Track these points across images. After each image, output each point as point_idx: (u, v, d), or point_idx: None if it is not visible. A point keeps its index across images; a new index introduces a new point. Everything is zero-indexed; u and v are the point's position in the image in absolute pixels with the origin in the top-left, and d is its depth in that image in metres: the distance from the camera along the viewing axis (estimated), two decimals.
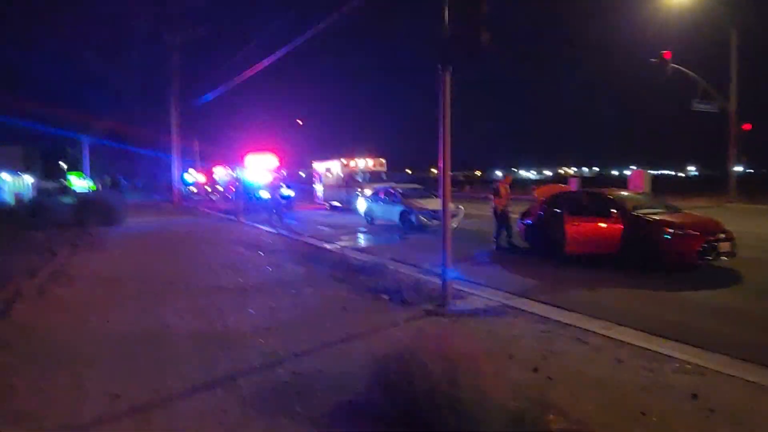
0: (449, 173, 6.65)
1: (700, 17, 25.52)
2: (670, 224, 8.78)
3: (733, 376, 4.26)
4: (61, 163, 50.07)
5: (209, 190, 35.99)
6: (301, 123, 50.85)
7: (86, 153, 36.07)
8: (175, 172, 28.35)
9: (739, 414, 3.57)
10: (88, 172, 35.88)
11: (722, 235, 8.68)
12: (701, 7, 24.77)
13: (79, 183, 34.40)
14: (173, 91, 26.98)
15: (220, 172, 36.08)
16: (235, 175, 29.81)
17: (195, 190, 33.69)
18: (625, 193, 10.80)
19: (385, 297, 6.93)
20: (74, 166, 40.34)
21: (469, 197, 31.24)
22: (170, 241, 13.59)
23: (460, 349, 4.03)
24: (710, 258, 8.47)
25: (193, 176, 35.63)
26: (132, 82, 32.67)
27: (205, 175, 35.89)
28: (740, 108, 25.78)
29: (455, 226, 15.09)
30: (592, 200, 10.30)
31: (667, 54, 23.30)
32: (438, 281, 6.79)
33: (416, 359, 3.79)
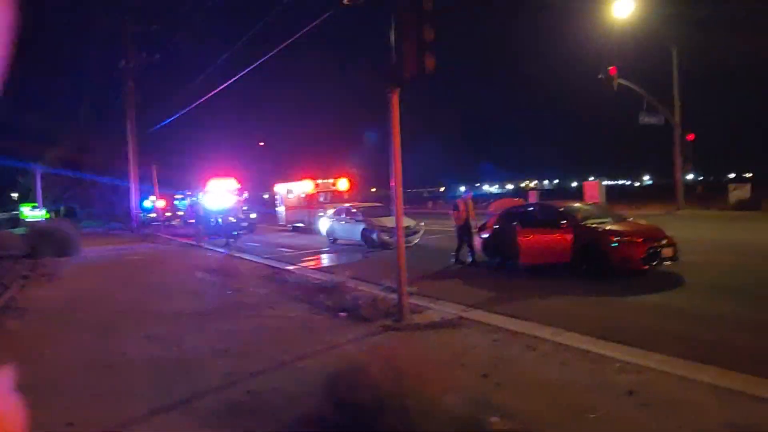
0: (401, 192, 6.86)
1: (645, 35, 26.88)
2: (616, 233, 9.20)
3: (669, 372, 4.53)
4: (12, 194, 48.30)
5: (169, 215, 35.36)
6: (263, 144, 50.65)
7: (38, 182, 34.96)
8: (133, 199, 27.81)
9: (671, 407, 3.82)
10: (41, 201, 34.75)
11: (665, 241, 9.14)
12: (646, 25, 26.11)
13: (32, 213, 33.27)
14: (129, 116, 26.61)
15: (181, 198, 35.56)
16: (195, 200, 29.45)
17: (154, 216, 33.02)
18: (574, 205, 11.22)
19: (344, 315, 7.04)
20: (26, 196, 39.02)
21: (432, 213, 31.69)
22: (128, 269, 13.34)
23: (412, 361, 4.19)
24: (654, 263, 8.90)
25: (152, 202, 34.95)
26: (86, 109, 32.09)
27: (165, 200, 35.29)
28: (684, 119, 27.15)
29: (416, 242, 15.38)
30: (544, 213, 10.69)
31: (612, 70, 24.42)
32: (396, 297, 6.94)
33: (369, 372, 3.92)
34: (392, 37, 6.54)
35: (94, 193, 38.30)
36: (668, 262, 9.05)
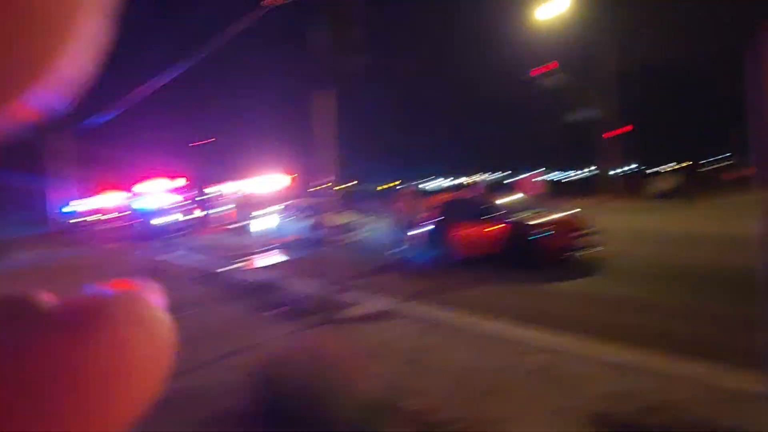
0: (336, 190, 7.05)
1: (582, 32, 28.08)
2: (541, 225, 9.72)
3: (575, 352, 4.94)
4: None
5: (101, 218, 33.74)
6: (203, 143, 49.35)
7: None
8: (57, 202, 26.44)
9: (565, 382, 4.20)
10: None
11: (585, 231, 9.74)
12: (583, 22, 27.23)
13: None
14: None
15: (113, 199, 34.01)
16: (131, 201, 28.44)
17: (83, 219, 31.42)
18: (505, 198, 11.68)
19: (280, 311, 7.15)
20: None
21: (383, 209, 31.96)
22: (52, 275, 12.84)
23: (341, 352, 4.41)
24: (575, 252, 9.47)
25: (80, 205, 33.20)
26: None
27: (96, 202, 33.68)
28: (622, 113, 28.66)
29: (362, 237, 15.59)
30: (476, 206, 11.11)
31: (548, 67, 25.46)
32: (334, 292, 7.14)
33: (297, 365, 4.13)
34: (324, 38, 6.70)
35: (7, 197, 36.14)
36: (589, 251, 9.65)
